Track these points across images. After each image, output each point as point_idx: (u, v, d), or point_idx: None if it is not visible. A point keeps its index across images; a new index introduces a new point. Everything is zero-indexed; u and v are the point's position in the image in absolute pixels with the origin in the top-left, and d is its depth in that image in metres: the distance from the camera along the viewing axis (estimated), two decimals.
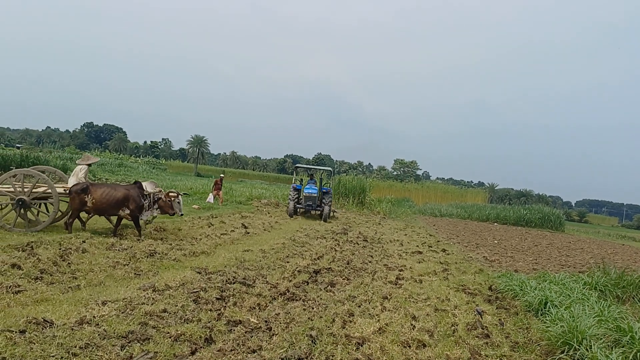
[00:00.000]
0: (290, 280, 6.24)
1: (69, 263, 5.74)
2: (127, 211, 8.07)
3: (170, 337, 3.72)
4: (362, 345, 4.05)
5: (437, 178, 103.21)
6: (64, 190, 8.35)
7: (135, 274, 5.75)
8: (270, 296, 5.33)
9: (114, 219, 8.85)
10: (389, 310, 5.21)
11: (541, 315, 5.46)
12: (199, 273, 6.01)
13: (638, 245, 24.81)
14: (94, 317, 3.91)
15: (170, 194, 8.62)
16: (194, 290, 5.08)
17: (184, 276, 5.72)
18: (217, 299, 4.93)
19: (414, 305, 5.62)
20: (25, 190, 8.02)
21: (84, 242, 6.93)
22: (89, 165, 9.24)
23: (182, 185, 22.65)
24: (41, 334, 3.43)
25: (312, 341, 3.99)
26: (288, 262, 7.58)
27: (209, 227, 10.75)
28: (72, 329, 3.59)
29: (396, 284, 6.74)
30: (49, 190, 8.04)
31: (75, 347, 3.29)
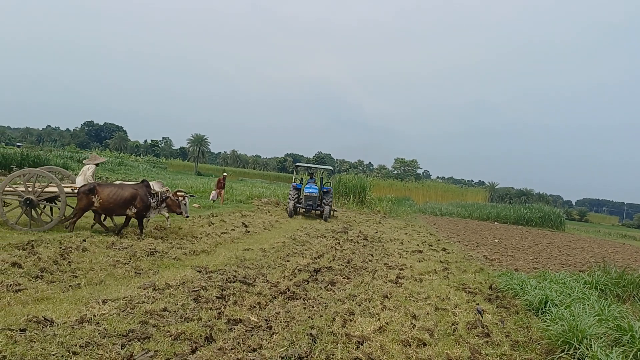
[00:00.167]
0: (290, 279, 6.24)
1: (69, 262, 5.74)
2: (134, 210, 8.09)
3: (170, 336, 3.72)
4: (362, 344, 4.05)
5: (438, 177, 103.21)
6: (72, 190, 8.40)
7: (135, 272, 5.76)
8: (271, 295, 5.33)
9: (117, 218, 8.89)
10: (389, 309, 5.21)
11: (541, 314, 5.46)
12: (200, 272, 6.01)
13: (638, 244, 24.80)
14: (94, 315, 3.91)
15: (178, 193, 8.65)
16: (195, 289, 5.08)
17: (184, 275, 5.72)
18: (218, 297, 4.93)
19: (414, 304, 5.62)
20: (35, 190, 8.06)
21: (84, 240, 6.94)
22: (97, 165, 9.28)
23: (183, 184, 22.65)
24: (41, 333, 3.43)
25: (312, 340, 3.99)
26: (288, 261, 7.58)
27: (210, 225, 10.76)
28: (73, 328, 3.59)
29: (396, 283, 6.74)
30: (57, 190, 8.09)
31: (76, 345, 3.30)
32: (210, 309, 4.54)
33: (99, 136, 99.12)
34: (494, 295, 6.52)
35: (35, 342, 3.27)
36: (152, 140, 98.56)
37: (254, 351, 3.69)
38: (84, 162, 9.67)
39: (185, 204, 8.71)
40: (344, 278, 6.73)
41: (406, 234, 14.85)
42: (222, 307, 4.64)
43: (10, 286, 4.46)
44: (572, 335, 4.30)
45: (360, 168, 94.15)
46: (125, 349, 3.40)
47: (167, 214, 8.82)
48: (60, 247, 6.28)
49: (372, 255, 9.34)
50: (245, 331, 4.06)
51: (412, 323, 4.75)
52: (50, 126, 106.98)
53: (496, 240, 16.24)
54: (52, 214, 8.63)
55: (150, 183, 8.62)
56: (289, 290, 5.58)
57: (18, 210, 8.34)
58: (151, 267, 6.17)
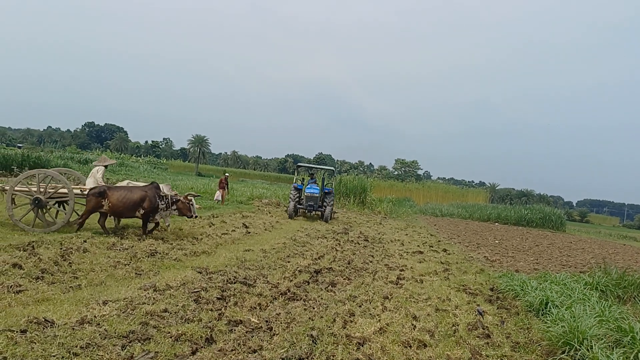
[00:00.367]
0: (291, 280, 6.24)
1: (70, 263, 5.74)
2: (142, 211, 8.13)
3: (171, 337, 3.72)
4: (362, 345, 4.05)
5: (438, 178, 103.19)
6: (81, 191, 8.44)
7: (136, 273, 5.76)
8: (271, 296, 5.33)
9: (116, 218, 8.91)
10: (389, 310, 5.21)
11: (542, 315, 5.45)
12: (200, 273, 6.01)
13: (639, 245, 24.76)
14: (94, 316, 3.92)
15: (188, 196, 8.67)
16: (195, 290, 5.08)
17: (184, 276, 5.72)
18: (218, 298, 4.94)
19: (415, 305, 5.62)
20: (43, 190, 8.12)
21: (85, 241, 6.94)
22: (106, 166, 9.33)
23: (184, 185, 22.66)
24: (42, 334, 3.43)
25: (312, 341, 3.99)
26: (289, 261, 7.58)
27: (210, 226, 10.76)
28: (73, 329, 3.60)
29: (397, 284, 6.74)
30: (66, 191, 8.14)
31: (76, 346, 3.30)
32: (211, 310, 4.54)
33: (100, 137, 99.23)
34: (494, 296, 6.52)
35: (35, 343, 3.28)
36: (152, 141, 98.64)
37: (255, 352, 3.69)
38: (93, 163, 9.76)
39: (193, 205, 8.75)
40: (344, 279, 6.73)
41: (407, 234, 14.85)
42: (223, 308, 4.64)
43: (10, 287, 4.46)
44: (572, 336, 4.29)
45: (361, 169, 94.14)
46: (125, 350, 3.41)
47: (173, 214, 8.82)
48: (61, 248, 6.29)
49: (372, 256, 9.34)
50: (246, 332, 4.06)
51: (412, 324, 4.75)
52: (51, 127, 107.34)
53: (497, 241, 16.23)
54: (56, 217, 8.65)
55: (160, 185, 8.64)
56: (289, 291, 5.58)
57: (25, 208, 8.39)
58: (152, 268, 6.17)
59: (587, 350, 4.04)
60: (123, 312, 4.12)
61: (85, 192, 8.17)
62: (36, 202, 8.03)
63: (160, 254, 6.96)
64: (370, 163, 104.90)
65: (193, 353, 3.52)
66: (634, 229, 60.99)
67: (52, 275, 5.15)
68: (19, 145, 56.32)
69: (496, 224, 28.74)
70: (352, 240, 11.37)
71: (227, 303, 4.84)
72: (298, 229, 12.75)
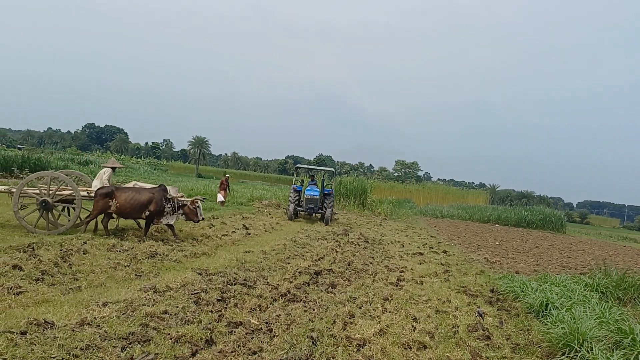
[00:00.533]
0: (291, 282, 6.24)
1: (70, 264, 5.74)
2: (147, 213, 8.16)
3: (171, 339, 3.72)
4: (362, 347, 4.05)
5: (438, 179, 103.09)
6: (87, 193, 8.46)
7: (136, 275, 5.76)
8: (271, 297, 5.33)
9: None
10: (389, 312, 5.21)
11: (542, 316, 5.45)
12: (200, 274, 6.02)
13: (639, 246, 24.76)
14: (94, 318, 3.92)
15: (195, 201, 8.68)
16: (195, 292, 5.08)
17: (184, 277, 5.72)
18: (218, 300, 4.94)
19: (415, 306, 5.62)
20: (51, 192, 8.16)
21: (85, 243, 6.95)
22: (113, 169, 9.36)
23: (184, 186, 22.66)
24: (42, 335, 3.44)
25: (312, 342, 3.99)
26: (289, 263, 7.58)
27: (210, 228, 10.76)
28: (73, 330, 3.60)
29: (397, 286, 6.73)
30: (73, 193, 8.18)
31: (76, 348, 3.30)
32: (211, 311, 4.54)
33: (100, 138, 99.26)
34: (494, 297, 6.51)
35: (35, 344, 3.28)
36: (153, 143, 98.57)
37: (255, 354, 3.69)
38: (101, 165, 9.89)
39: (199, 208, 8.77)
40: (344, 280, 6.73)
41: (407, 236, 14.84)
42: (223, 310, 4.64)
43: (11, 289, 4.46)
44: (572, 338, 4.29)
45: (361, 170, 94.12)
46: (125, 351, 3.41)
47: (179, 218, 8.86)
48: (61, 250, 6.29)
49: (372, 257, 9.33)
50: (246, 334, 4.06)
51: (412, 326, 4.74)
52: (51, 128, 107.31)
53: (497, 243, 16.22)
54: (58, 219, 8.67)
55: (168, 188, 8.66)
56: (289, 292, 5.58)
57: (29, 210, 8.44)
58: (152, 269, 6.17)
59: (587, 352, 4.04)
60: (123, 314, 4.13)
61: (92, 194, 8.20)
62: (43, 204, 8.06)
63: (160, 255, 6.96)
64: (371, 164, 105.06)
65: (193, 354, 3.52)
66: (634, 230, 60.95)
67: (52, 276, 5.15)
68: (19, 146, 56.35)
69: (496, 225, 28.72)
70: (352, 242, 11.36)
71: (227, 304, 4.84)
72: (298, 231, 12.75)
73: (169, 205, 8.35)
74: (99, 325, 3.78)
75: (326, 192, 16.97)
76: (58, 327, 3.63)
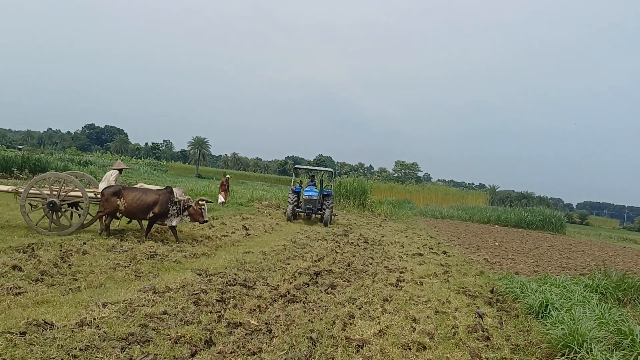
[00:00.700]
0: (290, 282, 6.24)
1: (69, 265, 5.74)
2: (151, 214, 8.17)
3: (170, 339, 3.72)
4: (362, 348, 4.05)
5: (438, 180, 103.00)
6: (95, 194, 8.48)
7: (135, 275, 5.76)
8: (271, 298, 5.33)
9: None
10: (389, 313, 5.21)
11: (542, 317, 5.44)
12: (200, 275, 6.01)
13: (639, 247, 24.75)
14: (94, 318, 3.92)
15: (200, 202, 8.68)
16: (195, 292, 5.08)
17: (184, 278, 5.72)
18: (218, 300, 4.93)
19: (415, 307, 5.62)
20: (59, 193, 8.19)
21: (84, 243, 6.95)
22: (120, 171, 9.38)
23: (184, 187, 22.66)
24: (41, 336, 3.43)
25: (312, 343, 3.99)
26: (289, 264, 7.57)
27: (210, 228, 10.76)
28: (73, 331, 3.60)
29: (397, 286, 6.73)
30: (81, 195, 8.22)
31: (76, 348, 3.30)
32: (210, 312, 4.54)
33: (100, 139, 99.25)
34: (494, 298, 6.51)
35: (35, 345, 3.27)
36: (152, 143, 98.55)
37: (254, 355, 3.69)
38: (108, 168, 9.93)
39: (204, 209, 8.78)
40: (344, 281, 6.73)
41: (407, 237, 14.84)
42: (222, 311, 4.64)
43: (10, 289, 4.46)
44: (572, 339, 4.29)
45: (361, 171, 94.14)
46: (125, 352, 3.41)
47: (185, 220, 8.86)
48: (61, 250, 6.29)
49: (372, 258, 9.33)
50: (245, 334, 4.06)
51: (412, 326, 4.74)
52: (51, 129, 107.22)
53: (497, 244, 16.22)
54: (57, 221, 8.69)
55: (174, 190, 8.67)
56: (289, 293, 5.58)
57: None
58: (151, 270, 6.17)
59: (587, 352, 4.03)
60: (122, 314, 4.12)
61: (99, 196, 8.22)
62: (51, 205, 8.08)
63: (159, 256, 6.96)
64: (370, 165, 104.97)
65: (192, 355, 3.52)
66: (634, 231, 60.94)
67: (51, 277, 5.15)
68: (19, 147, 56.35)
69: (496, 226, 28.72)
70: (352, 243, 11.36)
71: (226, 305, 4.84)
72: (298, 231, 12.75)
73: (174, 208, 8.35)
74: (98, 326, 3.78)
75: (325, 193, 16.77)
76: (57, 328, 3.63)
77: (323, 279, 6.74)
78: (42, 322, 3.67)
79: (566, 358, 4.15)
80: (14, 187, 8.65)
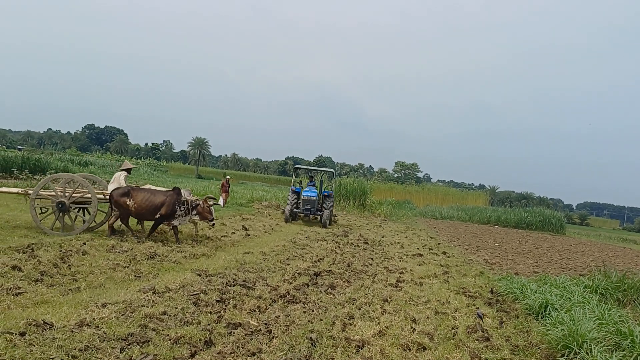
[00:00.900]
0: (290, 283, 6.23)
1: (69, 265, 5.74)
2: (158, 215, 8.20)
3: (170, 340, 3.72)
4: (362, 348, 4.05)
5: (438, 180, 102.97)
6: (104, 196, 8.49)
7: (135, 276, 5.75)
8: (271, 299, 5.33)
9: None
10: (389, 313, 5.21)
11: (542, 318, 5.44)
12: (199, 275, 6.01)
13: (639, 248, 24.74)
14: (93, 319, 3.92)
15: (208, 200, 8.69)
16: (194, 293, 5.08)
17: (184, 278, 5.72)
18: (217, 301, 4.93)
19: (414, 308, 5.62)
20: (68, 194, 8.23)
21: (84, 244, 6.95)
22: (129, 171, 9.39)
23: (184, 187, 22.66)
24: (41, 336, 3.43)
25: (312, 344, 3.99)
26: (288, 264, 7.57)
27: (210, 229, 10.75)
28: (72, 331, 3.59)
29: (396, 287, 6.73)
30: (89, 195, 8.27)
31: (75, 349, 3.30)
32: (210, 312, 4.53)
33: (100, 139, 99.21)
34: (494, 299, 6.51)
35: (34, 345, 3.27)
36: (152, 144, 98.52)
37: (254, 355, 3.68)
38: (117, 168, 9.99)
39: (212, 207, 8.80)
40: (344, 282, 6.73)
41: (406, 237, 14.84)
42: (222, 311, 4.64)
43: (10, 289, 4.46)
44: (572, 339, 4.29)
45: (361, 171, 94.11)
46: (124, 352, 3.40)
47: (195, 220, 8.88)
48: (60, 251, 6.29)
49: (372, 258, 9.33)
50: (245, 335, 4.06)
51: (412, 327, 4.74)
52: (51, 129, 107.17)
53: (496, 244, 16.22)
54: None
55: (181, 191, 8.68)
56: (288, 293, 5.58)
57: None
58: (151, 270, 6.17)
59: (587, 353, 4.04)
60: (122, 315, 4.12)
61: (107, 197, 8.25)
62: (59, 206, 8.09)
63: (159, 256, 6.96)
64: (370, 165, 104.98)
65: (192, 356, 3.52)
66: (634, 231, 60.91)
67: (51, 277, 5.15)
68: (19, 147, 56.37)
69: (496, 226, 28.72)
70: (351, 243, 11.36)
71: (226, 306, 4.84)
72: (298, 232, 12.74)
73: (182, 208, 8.36)
74: (98, 326, 3.78)
75: (325, 194, 16.56)
76: (57, 328, 3.63)
77: (323, 279, 6.74)
78: (42, 322, 3.67)
79: (566, 359, 4.15)
80: (23, 189, 8.71)
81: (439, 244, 13.73)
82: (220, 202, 17.49)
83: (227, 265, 6.92)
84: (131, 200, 7.99)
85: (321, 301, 5.49)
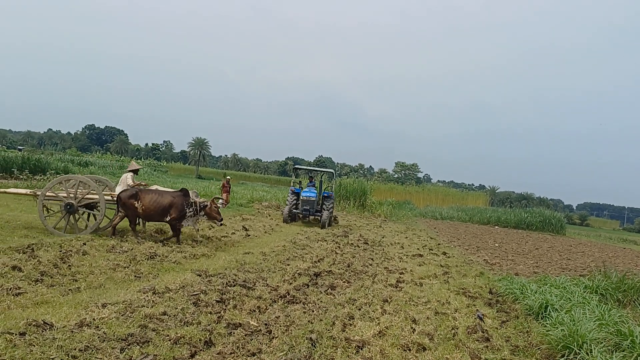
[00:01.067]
0: (290, 283, 6.23)
1: (69, 265, 5.74)
2: (168, 218, 8.20)
3: (170, 340, 3.72)
4: (362, 349, 4.05)
5: (438, 181, 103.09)
6: (111, 198, 8.50)
7: (135, 276, 5.76)
8: (271, 299, 5.33)
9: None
10: (389, 314, 5.21)
11: (542, 318, 5.44)
12: (199, 275, 6.01)
13: (639, 248, 24.73)
14: (93, 319, 3.91)
15: (215, 200, 8.70)
16: (194, 293, 5.08)
17: (184, 279, 5.72)
18: (217, 301, 4.93)
19: (415, 308, 5.62)
20: (75, 195, 8.24)
21: (84, 244, 6.95)
22: (135, 172, 9.40)
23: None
24: (41, 337, 3.43)
25: (312, 344, 3.99)
26: (288, 264, 7.57)
27: (210, 229, 10.75)
28: (72, 332, 3.59)
29: (397, 287, 6.73)
30: (97, 198, 8.27)
31: (75, 349, 3.30)
32: (210, 313, 4.53)
33: (100, 139, 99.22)
34: (494, 299, 6.51)
35: (34, 345, 3.27)
36: (152, 144, 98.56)
37: (254, 355, 3.68)
38: (123, 171, 10.03)
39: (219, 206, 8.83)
40: (344, 282, 6.73)
41: (407, 237, 14.84)
42: (222, 311, 4.64)
43: (10, 290, 4.46)
44: (572, 340, 4.29)
45: (361, 172, 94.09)
46: (124, 353, 3.40)
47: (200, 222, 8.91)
48: (61, 251, 6.29)
49: (372, 259, 9.33)
50: (245, 335, 4.06)
51: (412, 327, 4.74)
52: (51, 129, 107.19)
53: (496, 245, 16.22)
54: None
55: (189, 192, 8.69)
56: (288, 294, 5.58)
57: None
58: (151, 270, 6.17)
59: (587, 354, 4.03)
60: (122, 315, 4.12)
61: (115, 199, 8.26)
62: (68, 207, 8.12)
63: (159, 256, 6.96)
64: (371, 166, 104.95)
65: (192, 356, 3.52)
66: (634, 232, 60.92)
67: (51, 277, 5.15)
68: (19, 147, 56.40)
69: (496, 227, 28.72)
70: (351, 243, 11.36)
71: (226, 306, 4.84)
72: (298, 232, 12.75)
73: (191, 210, 8.37)
74: (98, 327, 3.78)
75: (325, 195, 16.37)
76: (57, 328, 3.63)
77: (323, 279, 6.74)
78: (42, 322, 3.67)
79: (566, 359, 4.15)
80: (31, 190, 8.73)
81: (439, 244, 13.73)
82: (221, 202, 17.49)
83: (227, 266, 6.92)
84: (139, 202, 7.98)
85: (321, 301, 5.49)
